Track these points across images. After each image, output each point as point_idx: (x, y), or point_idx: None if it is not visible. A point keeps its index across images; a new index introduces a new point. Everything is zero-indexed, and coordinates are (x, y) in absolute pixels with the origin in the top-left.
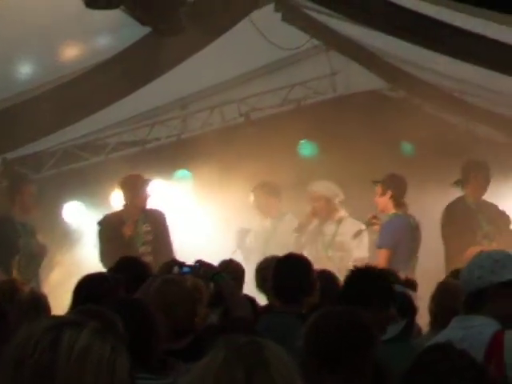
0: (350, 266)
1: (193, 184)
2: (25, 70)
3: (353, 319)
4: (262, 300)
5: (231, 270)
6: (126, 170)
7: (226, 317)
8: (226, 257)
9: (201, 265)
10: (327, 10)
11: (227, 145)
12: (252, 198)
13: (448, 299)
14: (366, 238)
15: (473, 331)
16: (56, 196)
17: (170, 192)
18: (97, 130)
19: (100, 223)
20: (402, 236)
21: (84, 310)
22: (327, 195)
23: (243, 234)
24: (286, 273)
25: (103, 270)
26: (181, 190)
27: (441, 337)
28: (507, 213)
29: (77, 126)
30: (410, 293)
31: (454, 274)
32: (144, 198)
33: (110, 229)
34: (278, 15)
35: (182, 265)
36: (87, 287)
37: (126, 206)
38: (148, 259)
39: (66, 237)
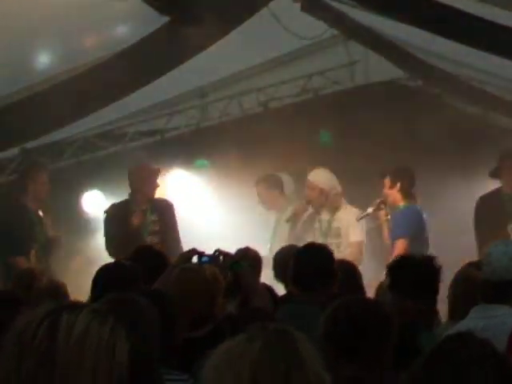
0: (346, 251)
1: (211, 173)
2: (42, 59)
3: (370, 309)
4: (279, 289)
5: (249, 259)
6: (145, 160)
7: (245, 306)
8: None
9: (220, 253)
10: (346, 0)
11: (246, 134)
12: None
13: (467, 289)
14: (363, 223)
15: (496, 321)
16: (75, 185)
17: (188, 181)
18: (116, 119)
19: (107, 211)
20: (417, 226)
21: (114, 298)
22: (323, 187)
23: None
24: (307, 262)
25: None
26: (199, 180)
27: (460, 326)
28: None
29: (95, 116)
30: None
31: (473, 264)
32: (152, 188)
33: (117, 217)
34: (297, 5)
35: (201, 254)
36: (106, 277)
37: (133, 195)
38: None
39: (85, 226)
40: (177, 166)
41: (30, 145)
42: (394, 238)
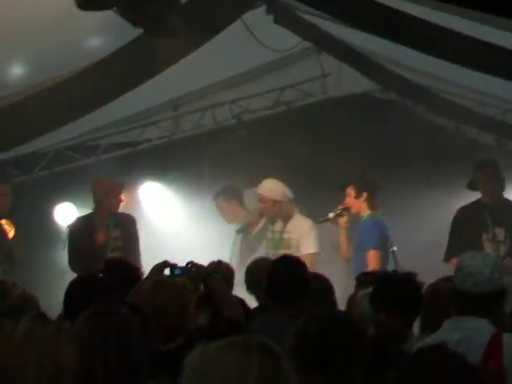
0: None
1: (184, 186)
2: (15, 71)
3: (337, 322)
4: (251, 302)
5: (221, 272)
6: (118, 172)
7: (216, 318)
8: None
9: (192, 266)
10: (319, 12)
11: (219, 146)
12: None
13: (439, 301)
14: (314, 234)
15: (471, 333)
16: (47, 197)
17: (161, 193)
18: (89, 131)
19: (71, 226)
20: (385, 237)
21: (97, 309)
22: (274, 198)
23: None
24: (281, 274)
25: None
26: (172, 192)
27: (433, 338)
28: None
29: (69, 128)
30: None
31: (444, 278)
32: (115, 202)
33: (81, 232)
34: (270, 17)
35: (173, 266)
36: (80, 289)
37: (96, 208)
38: None
39: (57, 238)
40: (150, 179)
41: (1, 156)
42: (365, 249)
